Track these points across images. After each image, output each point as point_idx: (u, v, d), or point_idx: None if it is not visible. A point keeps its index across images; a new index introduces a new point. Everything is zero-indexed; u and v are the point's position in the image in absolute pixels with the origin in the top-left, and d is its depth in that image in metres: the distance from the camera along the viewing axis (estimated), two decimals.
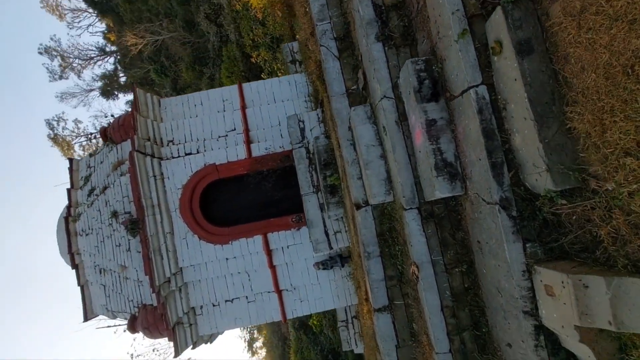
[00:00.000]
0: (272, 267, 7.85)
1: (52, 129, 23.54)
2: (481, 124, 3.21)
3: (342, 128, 4.95)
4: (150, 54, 22.39)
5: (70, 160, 9.06)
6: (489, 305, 3.76)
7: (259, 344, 35.22)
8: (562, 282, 2.76)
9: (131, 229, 7.70)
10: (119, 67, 24.19)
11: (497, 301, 3.56)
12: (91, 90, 24.53)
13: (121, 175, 7.99)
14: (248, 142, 7.81)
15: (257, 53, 16.88)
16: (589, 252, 2.79)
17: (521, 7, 2.84)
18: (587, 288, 2.60)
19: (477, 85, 3.26)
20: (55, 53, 23.01)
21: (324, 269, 7.77)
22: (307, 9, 5.36)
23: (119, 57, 23.83)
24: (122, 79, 24.58)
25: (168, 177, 7.80)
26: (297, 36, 7.78)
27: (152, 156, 7.70)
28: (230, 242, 7.76)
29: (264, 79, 14.44)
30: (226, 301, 8.03)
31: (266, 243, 7.71)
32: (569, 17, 2.52)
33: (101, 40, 24.07)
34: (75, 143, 24.14)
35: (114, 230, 8.01)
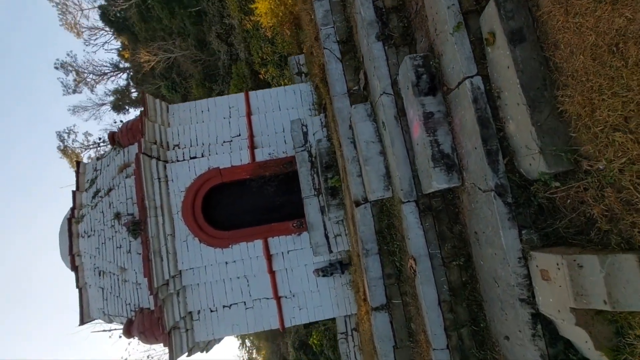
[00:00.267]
0: (272, 272, 7.80)
1: (62, 140, 24.10)
2: (476, 112, 3.30)
3: (343, 127, 5.07)
4: (162, 70, 23.12)
5: (78, 163, 9.26)
6: (487, 299, 3.71)
7: None
8: (557, 264, 2.75)
9: (133, 230, 7.76)
10: (131, 83, 24.96)
11: (494, 292, 3.52)
12: (103, 104, 25.27)
13: (126, 177, 8.13)
14: (252, 147, 7.95)
15: (265, 70, 17.42)
16: (583, 235, 2.79)
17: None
18: (582, 268, 2.59)
19: (472, 76, 3.37)
20: (70, 68, 23.94)
21: (323, 275, 7.70)
22: (313, 16, 5.62)
23: (131, 73, 24.65)
24: (134, 94, 25.33)
25: (172, 180, 7.92)
26: (303, 48, 8.08)
27: (158, 159, 7.85)
28: (230, 246, 7.76)
29: None
30: (224, 307, 7.94)
31: (266, 247, 7.70)
32: (557, 4, 2.66)
33: (115, 57, 25.03)
34: (84, 155, 24.59)
35: (115, 231, 8.07)
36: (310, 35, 6.05)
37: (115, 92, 25.43)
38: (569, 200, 2.87)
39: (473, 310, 3.90)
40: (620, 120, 2.34)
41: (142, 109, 8.06)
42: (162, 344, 8.03)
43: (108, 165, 8.77)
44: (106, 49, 25.37)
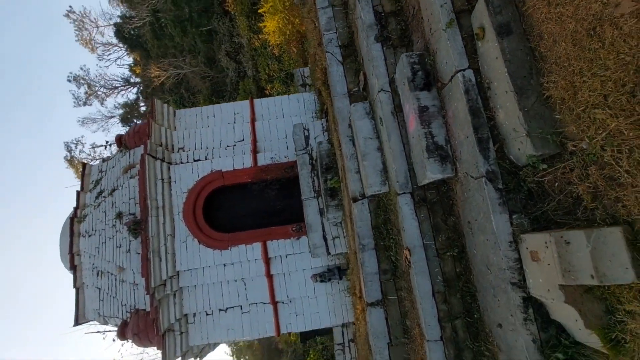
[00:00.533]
0: (270, 276, 7.79)
1: (69, 151, 24.56)
2: (468, 102, 3.46)
3: (343, 125, 5.24)
4: (171, 86, 23.81)
5: (84, 164, 9.47)
6: (480, 288, 3.73)
7: None
8: (546, 243, 2.82)
9: (133, 229, 7.84)
10: (141, 97, 25.69)
11: (487, 280, 3.55)
12: (112, 117, 25.92)
13: (130, 178, 8.30)
14: (255, 151, 8.14)
15: (271, 86, 17.96)
16: (571, 215, 2.87)
17: None
18: (569, 244, 2.66)
19: (464, 70, 3.56)
20: (83, 81, 24.75)
21: (321, 281, 7.67)
22: (317, 24, 5.92)
23: (141, 87, 25.41)
24: (142, 108, 25.99)
25: (175, 181, 8.07)
26: (308, 55, 8.40)
27: (162, 160, 8.04)
28: (229, 248, 7.79)
29: None
30: (220, 310, 7.88)
31: (265, 251, 7.73)
32: None
33: (127, 72, 25.89)
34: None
35: (116, 231, 8.15)
36: (314, 42, 6.35)
37: (125, 105, 26.13)
38: (556, 183, 2.97)
39: (467, 302, 3.91)
40: (600, 99, 2.48)
41: (150, 111, 8.33)
42: (155, 347, 7.93)
43: (113, 167, 8.97)
44: (118, 64, 26.36)
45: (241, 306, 7.87)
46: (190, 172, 8.08)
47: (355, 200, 4.99)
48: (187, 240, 7.82)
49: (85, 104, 25.39)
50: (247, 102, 8.86)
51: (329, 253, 6.76)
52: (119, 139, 8.97)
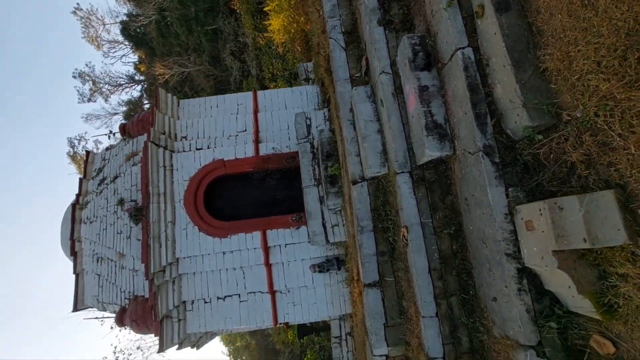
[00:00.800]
0: (268, 265, 7.82)
1: (72, 146, 24.73)
2: (467, 79, 3.54)
3: (344, 109, 5.32)
4: (175, 84, 24.00)
5: (87, 152, 9.56)
6: (476, 265, 3.77)
7: None
8: (540, 210, 2.87)
9: (135, 215, 7.90)
10: (145, 95, 25.92)
11: (482, 255, 3.60)
12: (115, 113, 26.14)
13: (133, 165, 8.38)
14: (257, 141, 8.22)
15: (275, 84, 18.10)
16: (565, 184, 2.93)
17: None
18: (562, 210, 2.71)
19: (463, 48, 3.63)
20: (88, 78, 25.00)
21: (320, 271, 7.69)
22: (321, 12, 6.03)
23: (145, 85, 25.65)
24: (146, 106, 26.19)
25: (177, 169, 8.14)
26: (312, 57, 8.50)
27: (165, 148, 8.13)
28: (229, 236, 7.84)
29: None
30: (218, 298, 7.90)
31: (264, 240, 7.77)
32: None
33: (132, 70, 26.15)
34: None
35: (117, 217, 8.22)
36: (317, 31, 6.45)
37: (129, 102, 26.35)
38: (551, 154, 3.03)
39: (462, 279, 3.95)
40: (594, 67, 2.55)
41: (154, 100, 8.44)
42: (153, 334, 7.95)
43: (116, 155, 9.06)
44: (124, 61, 26.64)
45: (239, 295, 7.89)
46: (193, 160, 8.16)
47: (354, 182, 5.05)
48: (188, 227, 7.88)
49: (89, 100, 25.65)
50: (250, 94, 8.97)
51: (328, 241, 6.80)
52: (123, 128, 9.08)
